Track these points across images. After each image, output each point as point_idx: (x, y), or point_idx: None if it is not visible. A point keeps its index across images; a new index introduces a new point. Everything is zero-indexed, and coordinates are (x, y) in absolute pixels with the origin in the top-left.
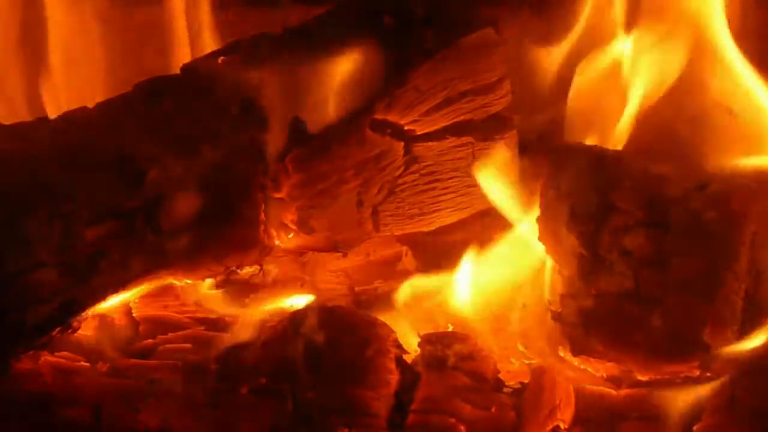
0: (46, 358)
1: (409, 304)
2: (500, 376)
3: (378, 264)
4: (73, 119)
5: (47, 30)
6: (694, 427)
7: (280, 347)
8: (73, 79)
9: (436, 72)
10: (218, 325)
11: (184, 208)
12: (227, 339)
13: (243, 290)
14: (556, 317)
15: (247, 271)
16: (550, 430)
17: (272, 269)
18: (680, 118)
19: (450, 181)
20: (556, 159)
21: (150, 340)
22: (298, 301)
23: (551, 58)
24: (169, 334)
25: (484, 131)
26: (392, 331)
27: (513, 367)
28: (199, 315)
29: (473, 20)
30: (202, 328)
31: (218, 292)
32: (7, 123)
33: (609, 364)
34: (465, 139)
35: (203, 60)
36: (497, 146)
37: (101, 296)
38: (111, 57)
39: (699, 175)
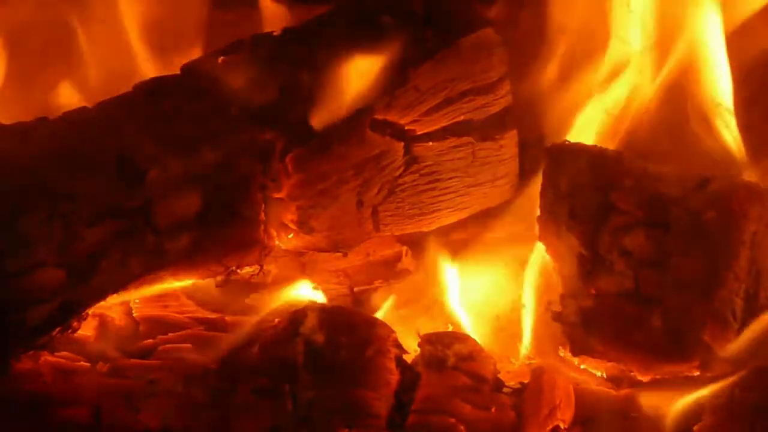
0: (46, 358)
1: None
2: (500, 376)
3: (378, 264)
4: (73, 119)
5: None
6: (694, 427)
7: (280, 347)
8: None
9: (436, 72)
10: (218, 325)
11: (184, 208)
12: (227, 339)
13: (243, 290)
14: (556, 317)
15: (247, 271)
16: (550, 430)
17: (272, 269)
18: (680, 118)
19: (450, 181)
20: (556, 159)
21: (150, 340)
22: (301, 292)
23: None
24: (169, 334)
25: (484, 131)
26: (392, 331)
27: (513, 367)
28: (199, 315)
29: (473, 20)
30: (202, 328)
31: (218, 292)
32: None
33: (609, 364)
34: (465, 139)
35: (203, 60)
36: None
37: (101, 296)
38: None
39: (699, 174)
